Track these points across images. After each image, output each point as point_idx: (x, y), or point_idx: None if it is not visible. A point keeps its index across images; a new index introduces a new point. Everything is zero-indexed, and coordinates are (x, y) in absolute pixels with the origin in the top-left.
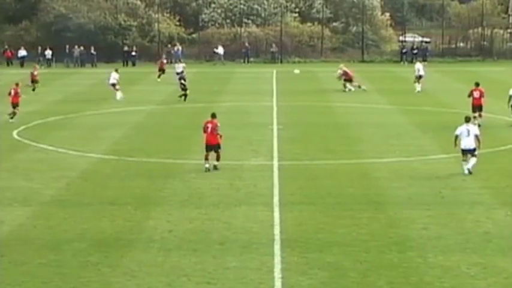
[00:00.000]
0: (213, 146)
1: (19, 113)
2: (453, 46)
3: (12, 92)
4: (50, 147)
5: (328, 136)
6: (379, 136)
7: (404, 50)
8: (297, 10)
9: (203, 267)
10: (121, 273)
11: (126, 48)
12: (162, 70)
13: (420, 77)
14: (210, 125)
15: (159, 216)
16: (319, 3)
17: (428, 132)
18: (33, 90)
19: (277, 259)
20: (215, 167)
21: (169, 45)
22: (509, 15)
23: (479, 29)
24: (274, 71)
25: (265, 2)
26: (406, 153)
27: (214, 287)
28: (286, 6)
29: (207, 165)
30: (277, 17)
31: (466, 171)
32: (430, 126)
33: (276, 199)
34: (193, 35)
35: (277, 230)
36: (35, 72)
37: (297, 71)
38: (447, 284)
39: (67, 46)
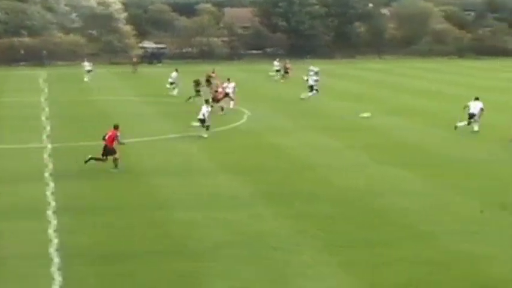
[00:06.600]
0: None
1: None
2: (183, 51)
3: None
4: None
5: (91, 124)
6: (133, 121)
7: (146, 54)
8: (56, 22)
9: None
10: None
11: None
12: None
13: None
14: None
15: None
16: (75, 16)
17: (168, 118)
18: None
19: (53, 222)
20: None
21: None
22: (221, 27)
23: (201, 37)
24: (45, 73)
25: (36, 17)
26: (153, 134)
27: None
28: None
29: None
30: (45, 29)
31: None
32: (169, 113)
33: (47, 174)
34: None
35: (51, 199)
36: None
37: None
38: (186, 233)
39: None
